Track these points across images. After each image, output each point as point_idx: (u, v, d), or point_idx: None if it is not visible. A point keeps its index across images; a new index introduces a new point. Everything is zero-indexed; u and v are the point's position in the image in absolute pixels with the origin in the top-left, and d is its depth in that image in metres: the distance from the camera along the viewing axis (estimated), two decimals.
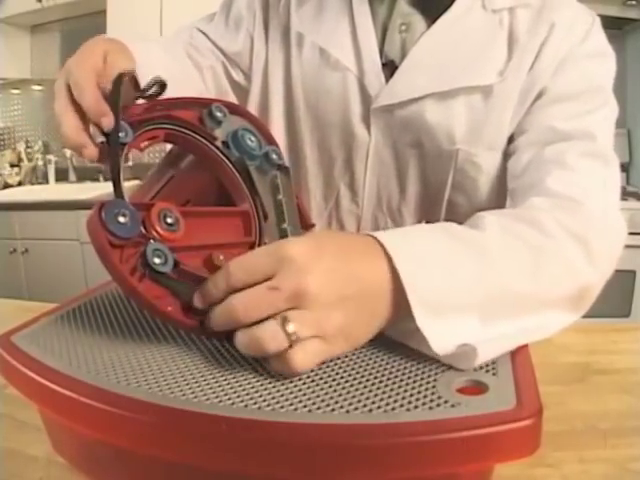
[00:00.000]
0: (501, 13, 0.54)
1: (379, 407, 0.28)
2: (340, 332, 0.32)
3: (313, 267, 0.31)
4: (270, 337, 0.30)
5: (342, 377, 0.31)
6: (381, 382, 0.30)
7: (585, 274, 0.43)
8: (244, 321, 0.31)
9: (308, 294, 0.31)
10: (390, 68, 0.56)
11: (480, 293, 0.36)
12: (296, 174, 0.63)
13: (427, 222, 0.57)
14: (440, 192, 0.59)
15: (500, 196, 0.59)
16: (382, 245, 0.34)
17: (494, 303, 0.36)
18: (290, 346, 0.30)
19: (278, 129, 0.63)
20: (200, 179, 0.50)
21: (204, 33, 0.64)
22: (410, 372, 0.32)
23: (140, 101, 0.42)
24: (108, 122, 0.38)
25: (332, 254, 0.33)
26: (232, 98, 0.65)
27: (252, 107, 0.64)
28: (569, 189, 0.48)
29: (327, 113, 0.59)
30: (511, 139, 0.57)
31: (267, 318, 0.31)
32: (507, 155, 0.57)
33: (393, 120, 0.57)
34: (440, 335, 0.33)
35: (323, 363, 0.33)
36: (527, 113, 0.55)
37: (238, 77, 0.65)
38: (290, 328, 0.30)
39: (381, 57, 0.56)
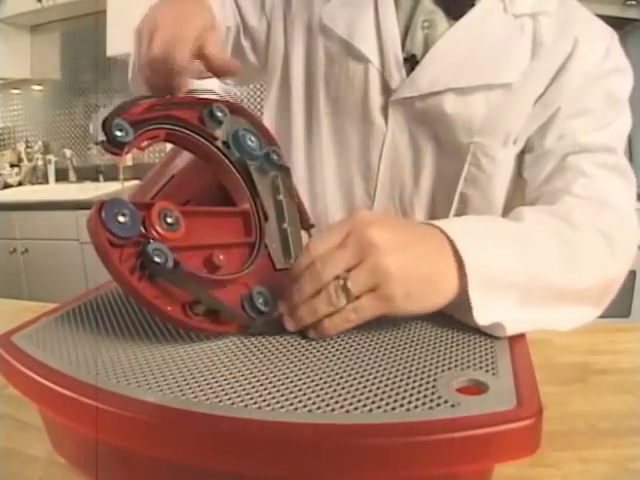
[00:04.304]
0: (522, 19, 0.56)
1: (379, 407, 0.28)
2: (400, 280, 0.35)
3: (377, 223, 0.37)
4: (333, 297, 0.36)
5: (342, 377, 0.31)
6: (381, 382, 0.30)
7: (610, 268, 0.48)
8: (324, 278, 0.36)
9: (372, 244, 0.36)
10: (411, 63, 0.58)
11: (523, 276, 0.40)
12: (311, 163, 0.65)
13: (438, 216, 0.59)
14: (453, 186, 0.60)
15: (511, 191, 0.61)
16: (442, 230, 0.39)
17: (532, 287, 0.40)
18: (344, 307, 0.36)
19: (297, 116, 0.65)
20: (200, 179, 0.50)
21: None
22: (410, 372, 0.32)
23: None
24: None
25: (402, 227, 0.40)
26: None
27: (272, 95, 0.67)
28: (593, 193, 0.52)
29: (347, 102, 0.61)
30: (530, 144, 0.59)
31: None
32: (523, 154, 0.60)
33: (412, 112, 0.59)
34: (484, 309, 0.37)
35: (323, 363, 0.33)
36: (549, 122, 0.57)
37: (246, 46, 0.67)
38: (348, 285, 0.35)
39: (403, 52, 0.58)
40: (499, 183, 0.60)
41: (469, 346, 0.35)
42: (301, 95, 0.65)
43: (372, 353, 0.35)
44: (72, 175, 2.52)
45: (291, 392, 0.29)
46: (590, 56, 0.56)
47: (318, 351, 0.35)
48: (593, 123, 0.55)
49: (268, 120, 0.68)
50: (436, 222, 0.40)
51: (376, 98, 0.60)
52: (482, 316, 0.37)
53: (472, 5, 0.57)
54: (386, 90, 0.59)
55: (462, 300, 0.38)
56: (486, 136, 0.57)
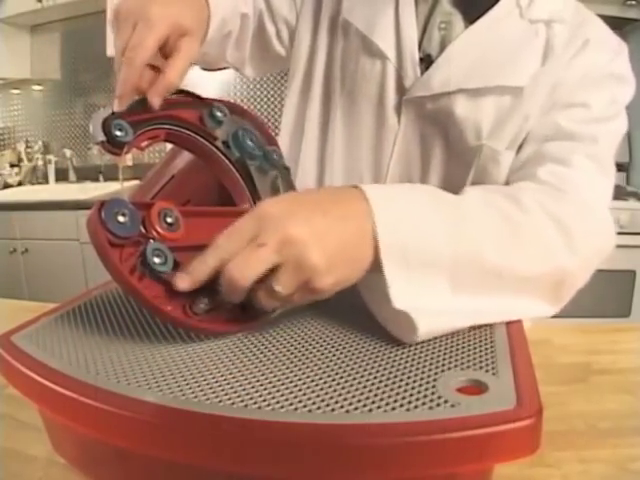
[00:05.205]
0: (537, 24, 0.57)
1: (379, 407, 0.28)
2: (326, 272, 0.34)
3: (292, 216, 0.34)
4: (265, 301, 0.35)
5: (342, 377, 0.31)
6: (381, 382, 0.30)
7: (562, 258, 0.43)
8: (243, 284, 0.33)
9: (293, 240, 0.33)
10: (426, 62, 0.59)
11: (450, 254, 0.37)
12: (322, 159, 0.66)
13: None
14: (460, 187, 0.60)
15: None
16: (363, 193, 0.36)
17: (464, 268, 0.38)
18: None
19: (313, 111, 0.66)
20: (200, 179, 0.50)
21: None
22: (410, 372, 0.32)
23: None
24: (118, 105, 0.39)
25: (309, 204, 0.36)
26: (246, 48, 0.66)
27: (294, 89, 0.67)
28: (558, 181, 0.50)
29: (362, 98, 0.62)
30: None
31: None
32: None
33: (424, 112, 0.59)
34: (403, 288, 0.35)
35: (323, 363, 0.33)
36: (543, 114, 0.57)
37: (272, 33, 0.66)
38: (277, 289, 0.34)
39: (419, 51, 0.59)
40: (503, 184, 0.60)
41: (469, 346, 0.35)
42: (320, 89, 0.65)
43: (372, 353, 0.35)
44: (72, 175, 2.52)
45: (291, 392, 0.30)
46: (595, 58, 0.56)
47: (318, 351, 0.35)
48: (583, 116, 0.55)
49: (287, 113, 0.69)
50: (366, 190, 0.37)
51: (391, 96, 0.60)
52: (400, 297, 0.35)
53: (489, 8, 0.57)
54: (400, 88, 0.60)
55: (380, 282, 0.35)
56: (494, 139, 0.58)
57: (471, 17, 0.58)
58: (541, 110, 0.56)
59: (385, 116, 0.61)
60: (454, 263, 0.37)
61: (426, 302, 0.36)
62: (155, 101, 0.40)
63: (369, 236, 0.35)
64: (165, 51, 0.42)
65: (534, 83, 0.56)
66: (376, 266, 0.36)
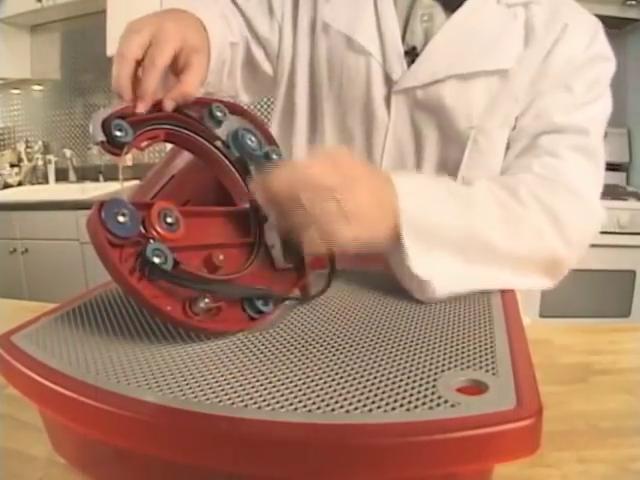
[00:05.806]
0: (515, 8, 0.59)
1: (379, 407, 0.28)
2: (348, 189, 0.39)
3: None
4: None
5: (342, 377, 0.31)
6: (381, 382, 0.30)
7: (554, 244, 0.50)
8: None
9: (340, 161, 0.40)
10: (411, 55, 0.60)
11: (462, 233, 0.45)
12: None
13: None
14: (455, 170, 0.62)
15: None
16: (391, 180, 0.43)
17: (473, 245, 0.45)
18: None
19: (301, 117, 0.67)
20: (200, 179, 0.50)
21: (238, 6, 0.67)
22: (410, 372, 0.32)
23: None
24: (141, 105, 0.41)
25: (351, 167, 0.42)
26: (237, 76, 0.67)
27: (279, 100, 0.69)
28: (550, 173, 0.54)
29: (349, 95, 0.63)
30: (516, 122, 0.61)
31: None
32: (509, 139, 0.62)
33: (413, 102, 0.60)
34: (420, 257, 0.42)
35: (323, 363, 0.33)
36: (531, 102, 0.59)
37: (259, 57, 0.67)
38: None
39: (403, 44, 0.60)
40: (497, 161, 0.61)
41: (469, 346, 0.35)
42: (305, 95, 0.66)
43: (372, 353, 0.35)
44: (72, 175, 2.52)
45: (291, 392, 0.30)
46: (575, 43, 0.58)
47: (318, 351, 0.35)
48: (570, 103, 0.57)
49: (274, 125, 0.70)
50: (392, 175, 0.44)
51: (378, 90, 0.61)
52: (417, 263, 0.42)
53: None
54: (388, 82, 0.61)
55: (400, 249, 0.42)
56: (485, 121, 0.59)
57: (451, 7, 0.59)
58: (526, 95, 0.58)
59: (374, 111, 0.62)
60: (463, 241, 0.44)
61: (439, 270, 0.42)
62: (168, 104, 0.42)
63: (392, 209, 0.42)
64: (175, 67, 0.45)
65: (519, 65, 0.57)
66: (396, 236, 0.42)
